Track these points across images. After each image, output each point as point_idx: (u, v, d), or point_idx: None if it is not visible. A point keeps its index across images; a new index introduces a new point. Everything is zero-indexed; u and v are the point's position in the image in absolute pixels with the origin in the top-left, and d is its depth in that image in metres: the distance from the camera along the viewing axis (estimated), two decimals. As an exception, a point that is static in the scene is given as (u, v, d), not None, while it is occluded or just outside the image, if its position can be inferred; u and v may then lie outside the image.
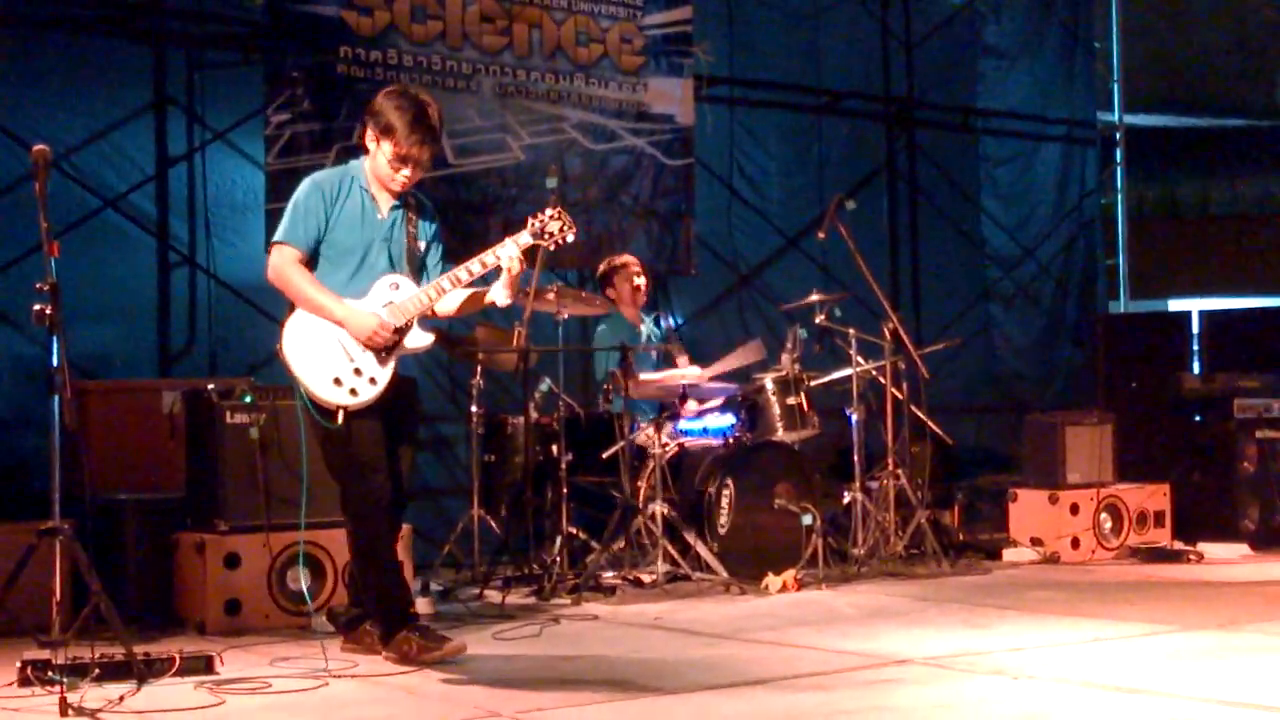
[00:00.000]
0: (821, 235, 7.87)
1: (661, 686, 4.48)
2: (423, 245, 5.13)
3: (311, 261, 5.00)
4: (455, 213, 8.27)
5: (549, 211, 5.07)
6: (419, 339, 5.02)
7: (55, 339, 4.35)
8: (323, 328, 4.92)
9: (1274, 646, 5.04)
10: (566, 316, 7.11)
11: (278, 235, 5.03)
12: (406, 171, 4.99)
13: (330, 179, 5.09)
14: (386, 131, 4.95)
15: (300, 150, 7.76)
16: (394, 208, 5.10)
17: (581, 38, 8.85)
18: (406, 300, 4.98)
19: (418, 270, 5.09)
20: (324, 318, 4.93)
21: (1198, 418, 8.72)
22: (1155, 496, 8.17)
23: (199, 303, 7.85)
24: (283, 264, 4.97)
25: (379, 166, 5.03)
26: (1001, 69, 10.88)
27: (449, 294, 5.02)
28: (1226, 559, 7.85)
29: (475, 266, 4.99)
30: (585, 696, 4.34)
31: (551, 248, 5.14)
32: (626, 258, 7.82)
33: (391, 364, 4.97)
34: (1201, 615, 5.76)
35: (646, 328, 7.73)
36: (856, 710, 4.07)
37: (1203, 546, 7.96)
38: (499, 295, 5.04)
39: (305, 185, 5.08)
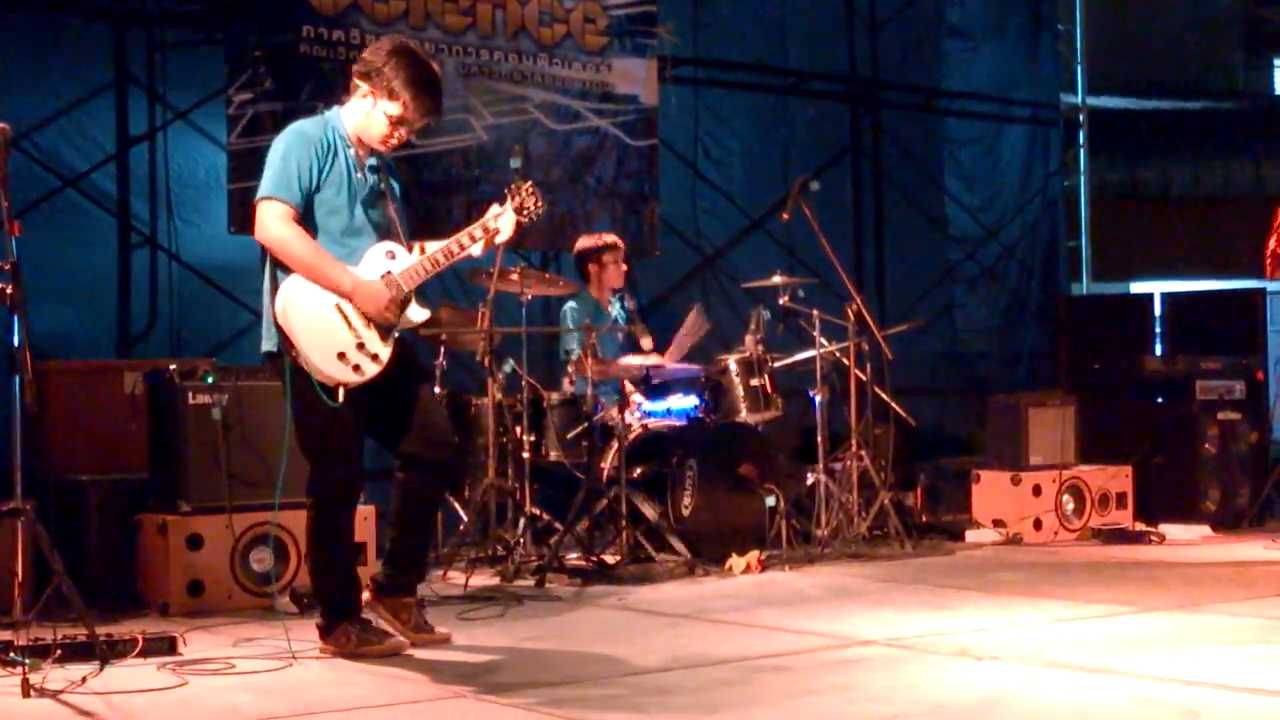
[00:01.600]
0: (785, 216, 7.86)
1: (628, 667, 4.49)
2: (395, 208, 4.87)
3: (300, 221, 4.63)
4: (417, 194, 8.21)
5: (524, 187, 4.93)
6: (417, 313, 4.78)
7: (16, 319, 4.30)
8: (323, 297, 4.61)
9: (1236, 627, 5.08)
10: (530, 297, 7.09)
11: (266, 189, 4.62)
12: (402, 133, 4.75)
13: (316, 130, 4.70)
14: (391, 94, 4.65)
15: (263, 130, 7.67)
16: (372, 168, 4.81)
17: (545, 18, 8.81)
18: (406, 271, 4.71)
19: (399, 236, 4.84)
20: (325, 285, 4.60)
21: (1159, 399, 8.77)
22: (1117, 478, 8.23)
23: (160, 283, 7.79)
24: (279, 221, 4.57)
25: (371, 125, 4.72)
26: (966, 50, 10.90)
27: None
28: (1188, 540, 7.91)
29: (465, 240, 4.82)
30: (553, 675, 4.35)
31: (526, 223, 5.00)
32: (612, 239, 7.75)
33: (393, 340, 4.72)
34: (1164, 596, 5.80)
35: (614, 310, 7.72)
36: (821, 690, 4.09)
37: (1164, 528, 8.01)
38: (476, 250, 4.89)
39: (291, 135, 4.69)
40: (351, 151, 4.75)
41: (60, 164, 7.49)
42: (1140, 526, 8.06)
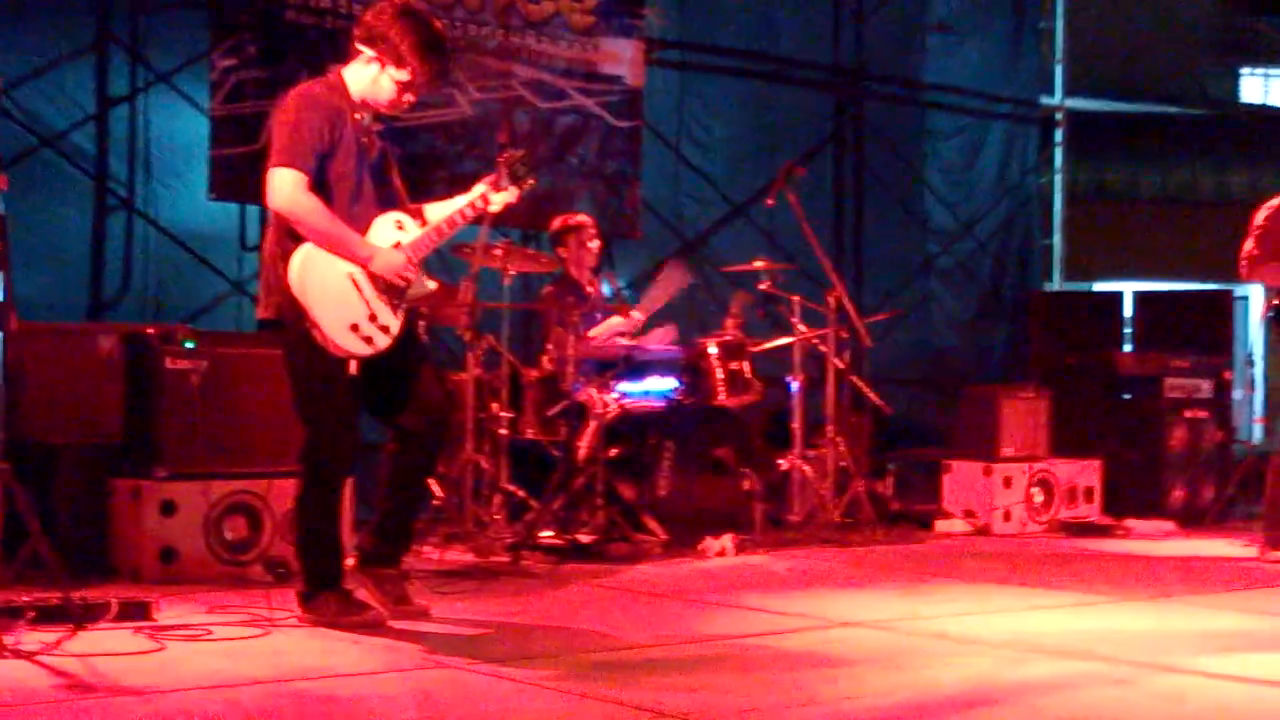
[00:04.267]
0: (770, 202, 7.87)
1: (613, 643, 4.48)
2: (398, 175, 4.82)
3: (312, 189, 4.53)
4: (400, 167, 8.15)
5: (518, 156, 4.84)
6: (422, 285, 4.74)
7: (1, 274, 4.23)
8: (337, 268, 4.54)
9: (1208, 618, 5.13)
10: (514, 274, 7.07)
11: (280, 158, 4.50)
12: (410, 97, 4.65)
13: (328, 96, 4.58)
14: (399, 59, 4.55)
15: (245, 96, 7.63)
16: (377, 133, 4.73)
17: (533, -6, 8.78)
18: (415, 241, 4.67)
19: (404, 204, 4.80)
20: (343, 255, 4.54)
21: (1127, 396, 8.84)
22: (1086, 472, 8.29)
23: (135, 248, 7.70)
24: (296, 190, 4.46)
25: (380, 90, 4.63)
26: (950, 45, 10.93)
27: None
28: (1153, 534, 7.97)
29: (468, 210, 4.78)
30: (536, 648, 4.34)
31: (523, 189, 4.90)
32: (583, 218, 7.73)
33: (402, 311, 4.68)
34: (1133, 587, 5.87)
35: (605, 289, 7.69)
36: (813, 667, 4.10)
37: (1130, 522, 8.08)
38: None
39: (301, 100, 4.56)
40: (358, 116, 4.67)
41: (39, 123, 7.39)
42: (1107, 520, 8.14)
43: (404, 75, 4.61)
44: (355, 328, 4.57)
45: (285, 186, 4.50)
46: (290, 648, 4.35)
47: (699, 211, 9.74)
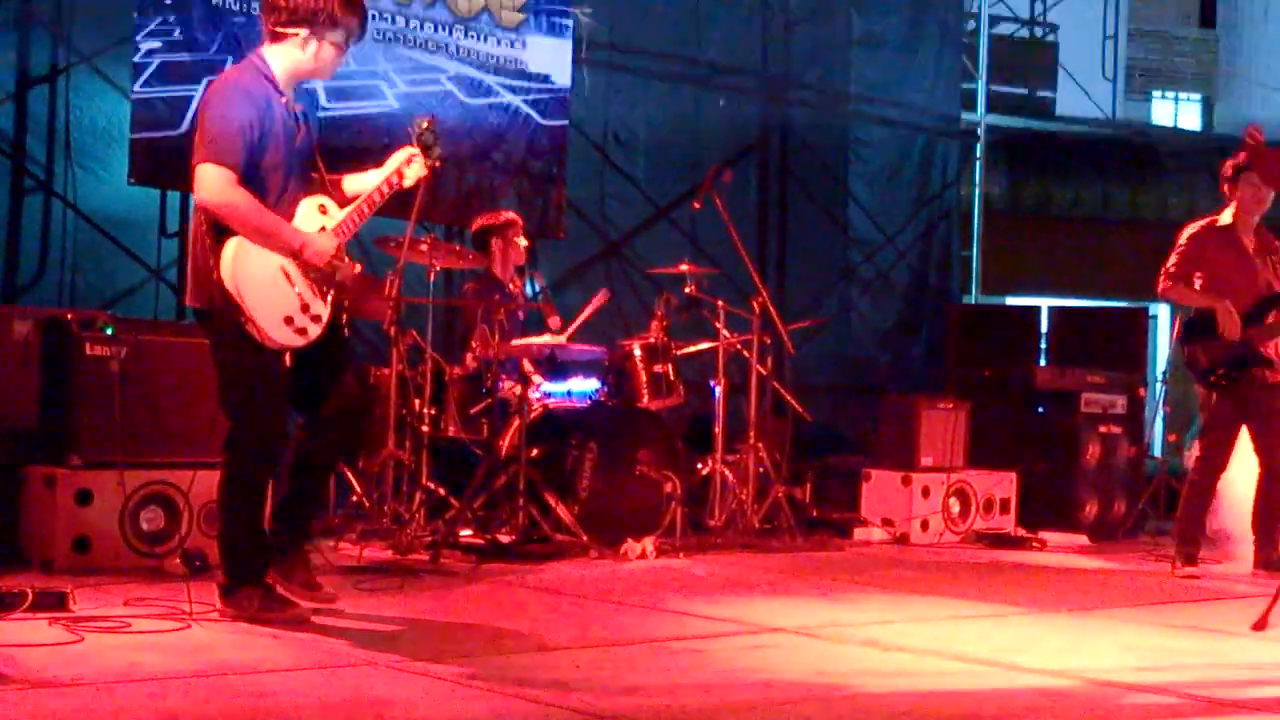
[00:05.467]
0: (697, 205, 7.89)
1: (539, 643, 4.45)
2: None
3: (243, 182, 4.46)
4: (326, 157, 8.04)
5: (423, 123, 4.82)
6: (349, 267, 4.69)
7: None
8: (270, 261, 4.48)
9: (1124, 630, 5.20)
10: (439, 270, 7.01)
11: (209, 155, 4.40)
12: (336, 56, 4.61)
13: (255, 83, 4.51)
14: (334, 22, 4.52)
15: (169, 80, 7.50)
16: (302, 115, 4.68)
17: (463, -11, 8.72)
18: (341, 223, 4.64)
19: (326, 187, 4.75)
20: (275, 247, 4.48)
21: (1042, 409, 8.95)
22: (1002, 484, 8.39)
23: (53, 231, 7.53)
24: (226, 189, 4.39)
25: (322, 63, 4.61)
26: (876, 57, 11.01)
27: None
28: (1067, 547, 8.09)
29: (385, 188, 4.75)
30: (462, 647, 4.29)
31: (430, 167, 4.87)
32: (511, 215, 7.70)
33: (330, 298, 4.64)
34: (1052, 599, 5.94)
35: (527, 289, 7.65)
36: (740, 672, 4.09)
37: (1044, 535, 8.19)
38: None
39: (229, 92, 4.49)
40: (283, 100, 4.60)
41: (-48, 102, 7.23)
42: (1021, 532, 8.24)
43: (340, 35, 4.59)
44: (289, 320, 4.54)
45: (215, 183, 4.42)
46: (211, 642, 4.27)
47: (623, 213, 9.73)
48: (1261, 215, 6.92)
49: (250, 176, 4.47)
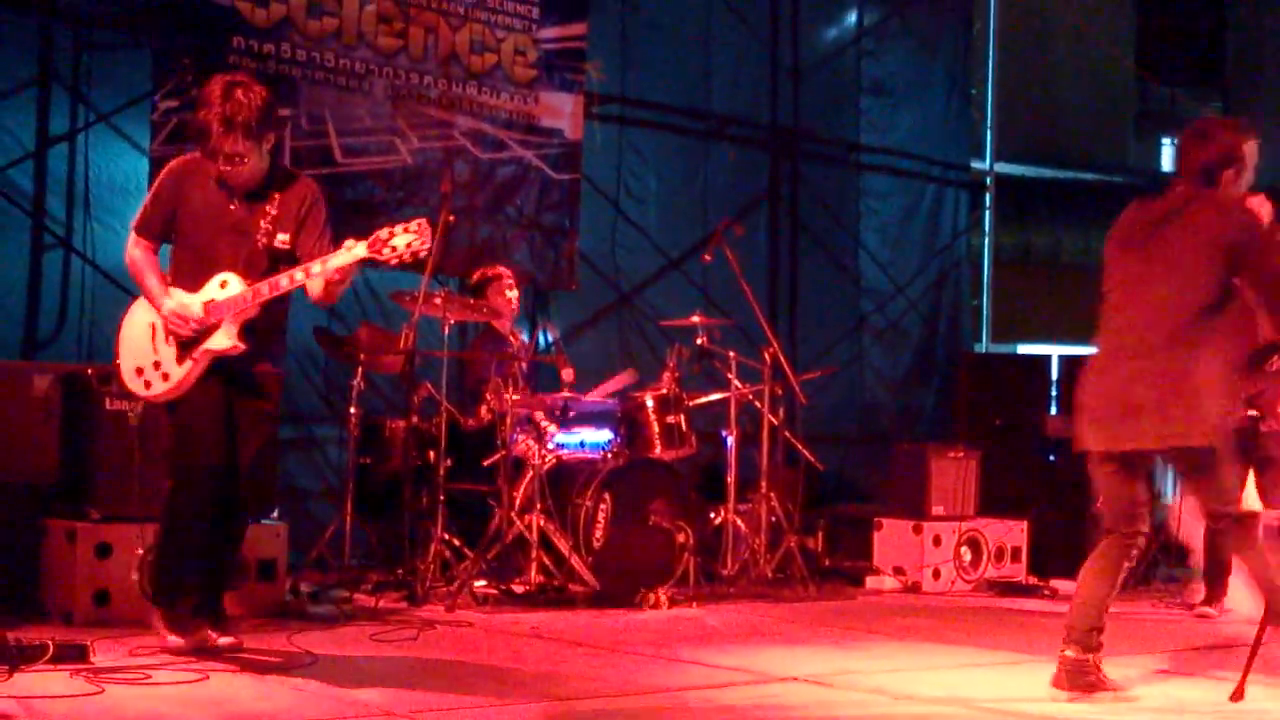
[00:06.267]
0: (707, 258, 7.98)
1: (555, 693, 4.49)
2: (287, 234, 4.98)
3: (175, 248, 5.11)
4: (338, 212, 8.12)
5: (402, 226, 4.83)
6: (220, 341, 4.92)
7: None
8: (146, 315, 5.05)
9: (1137, 679, 5.22)
10: (453, 322, 7.10)
11: (134, 220, 5.15)
12: (225, 166, 4.90)
13: (187, 164, 5.07)
14: (200, 128, 4.92)
15: (187, 138, 7.51)
16: (252, 195, 4.99)
17: (476, 46, 8.84)
18: (226, 299, 4.92)
19: (282, 260, 4.96)
20: (152, 304, 5.03)
21: (1053, 458, 8.97)
22: (1013, 532, 8.41)
23: (72, 287, 7.63)
24: (130, 250, 5.11)
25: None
26: (884, 107, 11.11)
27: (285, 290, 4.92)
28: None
29: (299, 275, 4.86)
30: (479, 700, 4.33)
31: (394, 264, 4.93)
32: (500, 269, 7.79)
33: (189, 363, 4.93)
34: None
35: (525, 337, 7.74)
36: (750, 722, 4.14)
37: (1056, 582, 8.20)
38: (314, 286, 4.91)
39: (165, 168, 5.16)
40: (223, 183, 4.98)
41: (-24, 160, 7.34)
42: (1033, 580, 8.25)
43: (206, 139, 4.93)
44: (139, 371, 5.05)
45: (127, 245, 5.16)
46: (231, 694, 4.33)
47: (635, 265, 9.81)
48: None
49: (176, 245, 5.10)
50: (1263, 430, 6.88)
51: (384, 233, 4.81)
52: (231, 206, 4.98)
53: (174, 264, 5.08)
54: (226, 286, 4.93)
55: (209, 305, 4.92)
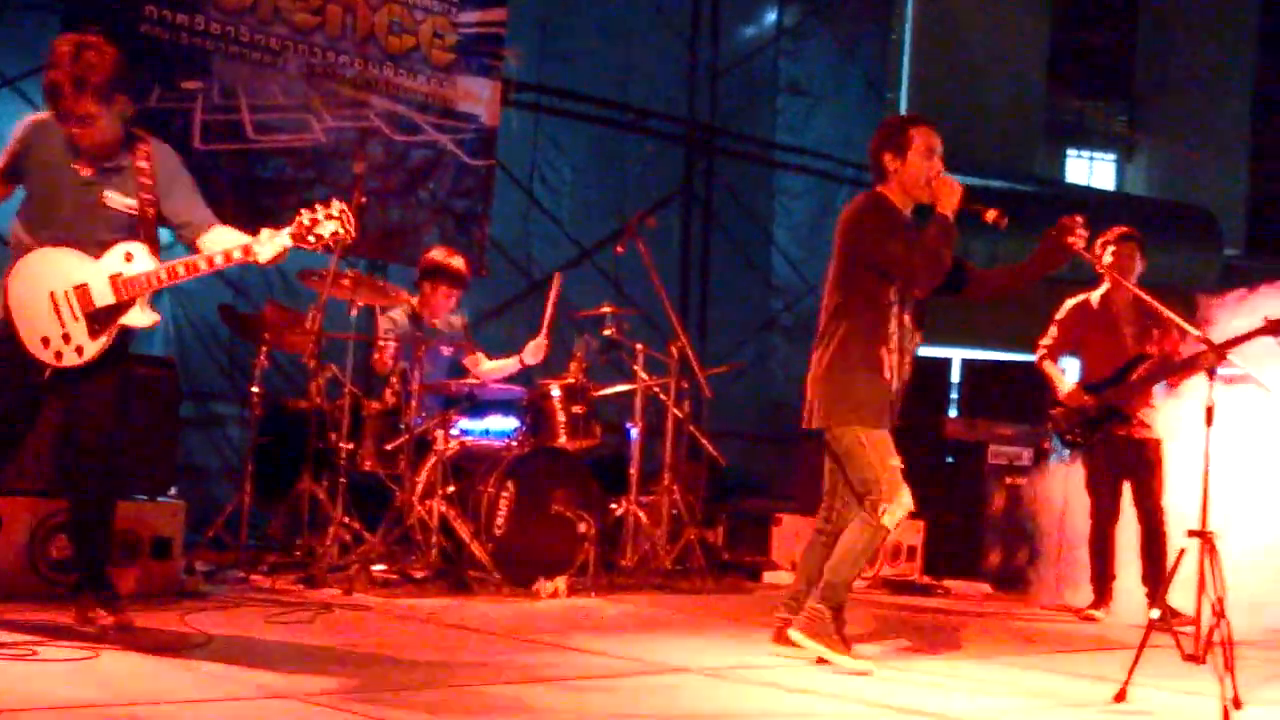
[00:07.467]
0: (620, 250, 8.00)
1: (450, 679, 4.49)
2: (151, 198, 4.87)
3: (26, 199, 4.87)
4: (249, 189, 8.12)
5: (325, 211, 4.72)
6: (139, 318, 4.86)
7: None
8: (42, 283, 4.78)
9: (1022, 677, 5.33)
10: (361, 305, 7.06)
11: None
12: (75, 128, 4.74)
13: (42, 122, 4.85)
14: (50, 89, 4.71)
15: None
16: (101, 158, 4.83)
17: (395, 27, 8.79)
18: (136, 277, 4.80)
19: (139, 224, 4.87)
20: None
21: (950, 459, 9.12)
22: (909, 532, 8.53)
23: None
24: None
25: None
26: (801, 107, 11.20)
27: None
28: (971, 595, 8.24)
29: (219, 259, 4.76)
30: (372, 683, 4.31)
31: (320, 250, 4.90)
32: (460, 270, 7.61)
33: (104, 338, 4.82)
34: (955, 646, 6.06)
35: (442, 321, 7.69)
36: (645, 714, 4.16)
37: (949, 582, 8.34)
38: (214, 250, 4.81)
39: (19, 124, 4.91)
40: (73, 145, 4.79)
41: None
42: (927, 580, 8.38)
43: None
44: (46, 341, 4.80)
45: None
46: (122, 671, 4.27)
47: (547, 253, 9.81)
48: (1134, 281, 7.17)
49: (28, 199, 4.88)
50: (1134, 438, 7.14)
51: (307, 219, 4.73)
52: (77, 167, 4.82)
53: (24, 216, 4.88)
54: (132, 260, 4.82)
55: (118, 281, 4.79)
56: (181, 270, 4.81)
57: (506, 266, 9.55)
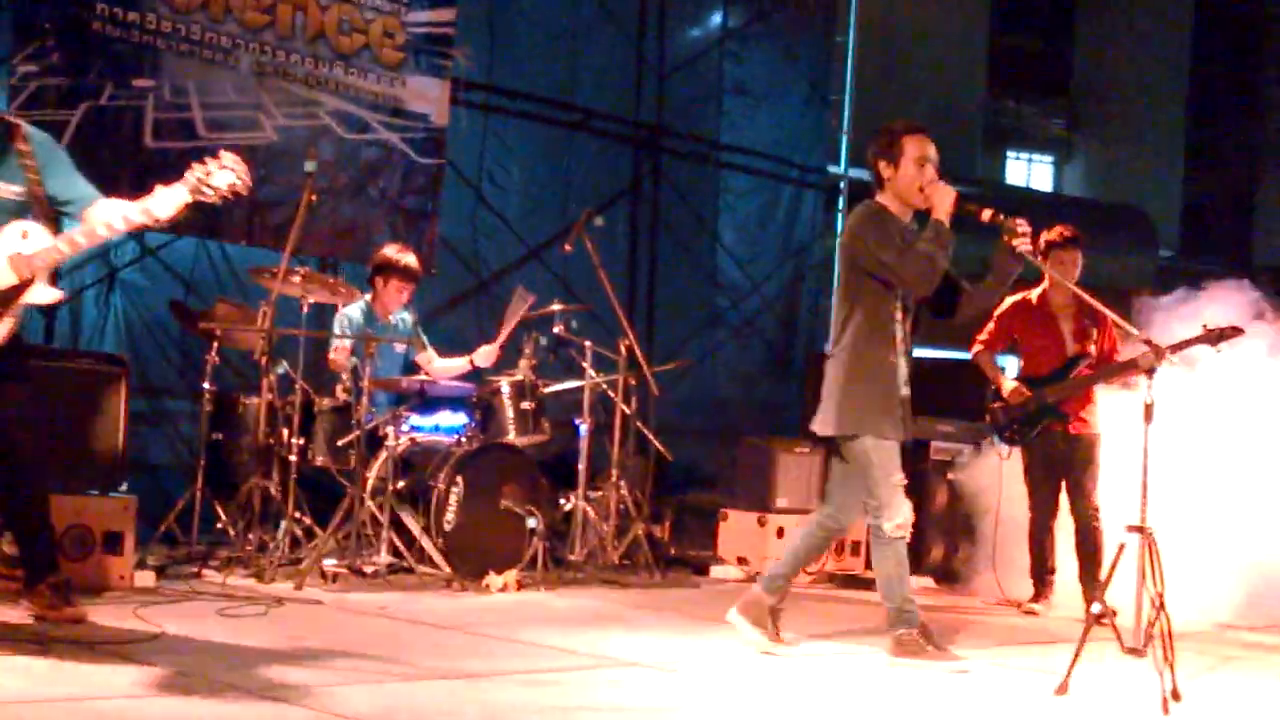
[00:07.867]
0: (568, 248, 8.07)
1: (401, 673, 4.56)
2: (37, 178, 4.83)
3: None
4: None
5: (217, 164, 4.63)
6: (42, 294, 4.85)
7: None
8: None
9: (968, 667, 5.45)
10: (311, 301, 7.11)
11: None
12: None
13: None
14: None
15: (46, 104, 7.50)
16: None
17: (344, 26, 8.83)
18: (37, 253, 4.77)
19: (42, 204, 4.84)
20: None
21: (895, 457, 9.22)
22: (856, 526, 8.61)
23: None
24: None
25: None
26: (746, 108, 11.33)
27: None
28: (914, 590, 8.33)
29: (119, 223, 4.71)
30: (323, 678, 4.37)
31: (218, 202, 4.77)
32: (413, 265, 7.67)
33: (9, 319, 4.80)
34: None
35: (395, 317, 7.75)
36: (596, 707, 4.25)
37: (891, 577, 8.44)
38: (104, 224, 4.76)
39: None
40: None
41: None
42: (870, 574, 8.49)
43: None
44: None
45: None
46: (71, 667, 4.30)
47: (495, 252, 9.88)
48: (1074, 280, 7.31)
49: None
50: (1071, 433, 7.29)
51: (200, 172, 4.63)
52: None
53: None
54: (29, 237, 4.78)
55: (17, 260, 4.75)
56: (82, 240, 4.78)
57: (455, 265, 9.60)
